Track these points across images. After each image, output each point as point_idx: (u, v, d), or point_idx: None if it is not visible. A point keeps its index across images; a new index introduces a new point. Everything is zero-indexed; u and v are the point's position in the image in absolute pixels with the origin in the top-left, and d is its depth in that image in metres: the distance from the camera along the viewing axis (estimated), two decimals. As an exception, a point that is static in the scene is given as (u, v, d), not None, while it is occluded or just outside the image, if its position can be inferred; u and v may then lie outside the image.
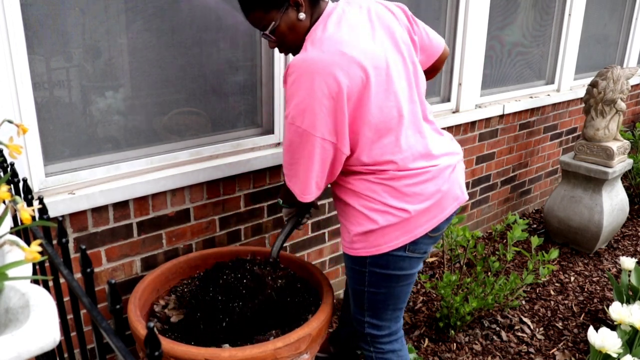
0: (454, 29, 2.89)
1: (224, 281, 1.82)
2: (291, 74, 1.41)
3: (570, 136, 4.07)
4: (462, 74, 2.96)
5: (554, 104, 3.73)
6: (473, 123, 3.11)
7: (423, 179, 1.52)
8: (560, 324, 2.67)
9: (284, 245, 1.90)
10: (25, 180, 1.14)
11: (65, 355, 1.62)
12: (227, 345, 1.65)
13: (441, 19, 2.86)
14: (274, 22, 1.48)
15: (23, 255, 0.71)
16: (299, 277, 1.96)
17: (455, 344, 2.47)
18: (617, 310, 2.18)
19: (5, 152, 1.39)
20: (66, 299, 1.62)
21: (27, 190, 1.12)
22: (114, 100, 1.83)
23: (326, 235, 2.57)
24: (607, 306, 2.70)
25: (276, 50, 2.10)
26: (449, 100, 3.00)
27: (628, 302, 2.52)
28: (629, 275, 2.62)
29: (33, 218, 0.84)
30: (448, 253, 2.59)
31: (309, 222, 2.47)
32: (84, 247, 0.79)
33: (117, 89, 1.83)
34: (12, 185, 1.18)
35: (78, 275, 1.78)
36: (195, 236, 2.08)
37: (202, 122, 2.06)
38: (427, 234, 1.55)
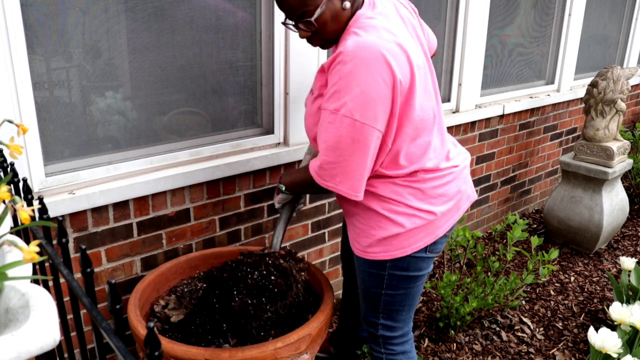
0: (454, 29, 2.89)
1: (253, 281, 1.75)
2: (347, 62, 1.31)
3: (570, 136, 4.07)
4: (462, 74, 2.96)
5: (554, 104, 3.73)
6: (473, 123, 3.11)
7: (447, 180, 1.53)
8: (560, 324, 2.67)
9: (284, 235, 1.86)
10: (25, 180, 1.14)
11: (65, 355, 1.62)
12: (227, 345, 1.65)
13: (441, 19, 2.86)
14: (319, 9, 1.37)
15: (22, 256, 0.71)
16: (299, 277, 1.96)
17: (455, 344, 2.47)
18: (617, 310, 2.18)
19: (6, 152, 1.39)
20: (66, 299, 1.63)
21: (27, 190, 1.11)
22: (114, 100, 1.83)
23: (326, 235, 2.57)
24: (607, 306, 2.70)
25: (276, 50, 2.10)
26: (449, 100, 3.00)
27: (628, 302, 2.52)
28: (629, 275, 2.62)
29: (33, 218, 0.84)
30: (448, 253, 2.59)
31: (310, 222, 2.47)
32: (84, 247, 0.79)
33: (117, 89, 1.83)
34: (12, 185, 1.18)
35: (78, 275, 1.78)
36: (195, 236, 2.08)
37: (202, 122, 2.06)
38: (445, 234, 1.57)
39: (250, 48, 2.10)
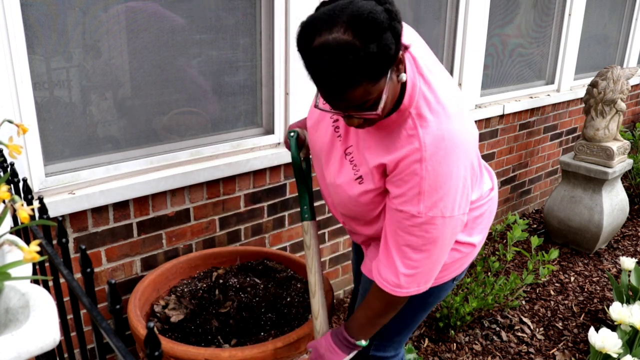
0: (454, 29, 2.89)
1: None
2: (427, 159, 1.14)
3: (570, 136, 4.07)
4: (462, 74, 2.96)
5: (554, 104, 3.73)
6: (473, 123, 3.11)
7: (486, 209, 1.43)
8: (560, 324, 2.67)
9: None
10: (25, 180, 1.14)
11: (65, 355, 1.62)
12: (227, 345, 1.65)
13: (441, 19, 2.86)
14: (384, 95, 1.09)
15: (22, 255, 0.71)
16: (299, 277, 1.96)
17: (455, 344, 2.47)
18: (617, 311, 2.18)
19: (5, 152, 1.39)
20: (66, 299, 1.62)
21: (27, 190, 1.12)
22: (114, 100, 1.83)
23: (326, 235, 2.57)
24: (607, 306, 2.70)
25: (276, 50, 2.10)
26: (449, 100, 3.00)
27: (628, 302, 2.52)
28: (629, 276, 2.62)
29: (32, 217, 0.84)
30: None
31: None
32: (84, 247, 0.79)
33: (117, 89, 1.83)
34: (12, 185, 1.18)
35: (78, 275, 1.78)
36: (195, 236, 2.08)
37: (202, 122, 2.06)
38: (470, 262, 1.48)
39: (250, 48, 2.10)
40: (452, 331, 2.49)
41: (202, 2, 1.92)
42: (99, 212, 1.79)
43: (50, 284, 1.52)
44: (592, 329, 2.04)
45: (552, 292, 2.94)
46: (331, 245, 2.61)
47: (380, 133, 1.23)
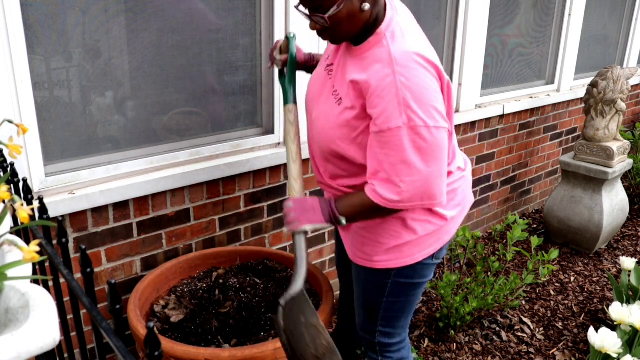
0: (454, 29, 2.89)
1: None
2: (397, 71, 1.24)
3: (570, 136, 4.07)
4: (462, 74, 2.96)
5: (554, 104, 3.73)
6: (473, 123, 3.11)
7: (458, 185, 1.52)
8: (560, 324, 2.67)
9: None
10: (25, 180, 1.14)
11: (65, 355, 1.62)
12: (227, 345, 1.65)
13: (441, 19, 2.86)
14: (335, 7, 1.27)
15: (22, 255, 0.71)
16: (299, 277, 1.96)
17: (455, 344, 2.47)
18: (617, 311, 2.18)
19: (5, 152, 1.39)
20: (66, 299, 1.62)
21: (27, 190, 1.12)
22: (114, 100, 1.83)
23: (326, 235, 2.57)
24: (607, 306, 2.70)
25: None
26: (449, 100, 3.00)
27: (628, 302, 2.52)
28: (629, 276, 2.62)
29: (32, 218, 0.84)
30: (448, 253, 2.59)
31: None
32: (84, 247, 0.79)
33: (117, 89, 1.83)
34: (12, 185, 1.18)
35: (78, 275, 1.78)
36: (195, 236, 2.08)
37: (202, 122, 2.07)
38: (449, 239, 1.55)
39: (250, 48, 2.10)
40: (452, 331, 2.49)
41: (202, 2, 1.92)
42: (99, 212, 1.79)
43: (50, 284, 1.52)
44: (591, 329, 2.04)
45: (552, 292, 2.94)
46: (331, 245, 2.61)
47: (359, 57, 1.36)
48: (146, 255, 1.96)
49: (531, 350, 2.46)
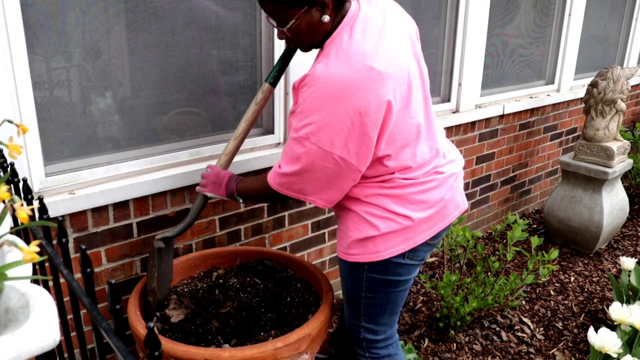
0: (454, 29, 2.89)
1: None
2: (312, 86, 1.32)
3: (570, 136, 4.07)
4: (462, 74, 2.96)
5: (554, 104, 3.73)
6: (473, 123, 3.11)
7: (428, 187, 1.50)
8: (560, 324, 2.67)
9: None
10: (25, 180, 1.14)
11: (65, 355, 1.62)
12: (227, 345, 1.65)
13: (441, 19, 2.86)
14: (293, 21, 1.36)
15: (22, 256, 0.71)
16: (299, 277, 1.96)
17: (455, 344, 2.47)
18: (617, 311, 2.18)
19: (5, 152, 1.39)
20: (66, 299, 1.62)
21: (27, 190, 1.12)
22: (114, 100, 1.83)
23: (326, 235, 2.57)
24: (607, 306, 2.70)
25: (276, 50, 2.10)
26: (449, 100, 3.00)
27: (628, 302, 2.52)
28: (629, 276, 2.62)
29: (32, 218, 0.84)
30: (448, 253, 2.59)
31: (310, 222, 2.47)
32: (84, 247, 0.79)
33: (117, 89, 1.83)
34: (12, 185, 1.18)
35: (78, 275, 1.78)
36: (195, 236, 2.08)
37: (202, 122, 2.06)
38: (426, 242, 1.54)
39: (250, 48, 2.10)
40: (452, 331, 2.49)
41: (203, 2, 1.92)
42: (99, 212, 1.79)
43: (50, 284, 1.52)
44: (591, 329, 2.04)
45: (552, 292, 2.94)
46: (331, 245, 2.61)
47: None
48: (146, 255, 1.96)
49: (531, 350, 2.46)
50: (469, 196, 3.28)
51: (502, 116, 3.30)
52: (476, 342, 2.50)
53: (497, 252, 3.21)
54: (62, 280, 1.64)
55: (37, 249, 0.70)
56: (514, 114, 3.39)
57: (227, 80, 2.08)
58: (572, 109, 3.95)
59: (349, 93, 1.30)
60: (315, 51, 1.53)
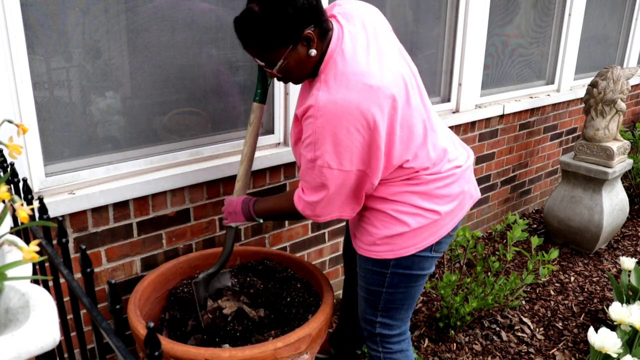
0: (454, 29, 2.89)
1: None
2: (319, 117, 1.35)
3: (570, 136, 4.07)
4: (462, 74, 2.96)
5: (554, 104, 3.73)
6: (473, 123, 3.11)
7: (450, 181, 1.55)
8: (560, 324, 2.67)
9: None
10: (25, 180, 1.14)
11: (65, 355, 1.62)
12: (227, 345, 1.65)
13: (441, 19, 2.86)
14: (281, 61, 1.39)
15: (22, 255, 0.71)
16: (299, 277, 1.96)
17: (455, 344, 2.47)
18: (617, 311, 2.18)
19: (5, 152, 1.39)
20: (66, 299, 1.63)
21: (27, 190, 1.12)
22: (114, 100, 1.83)
23: (326, 235, 2.57)
24: (607, 306, 2.70)
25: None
26: (449, 100, 3.00)
27: (628, 302, 2.52)
28: (629, 276, 2.62)
29: (32, 217, 0.84)
30: (448, 253, 2.59)
31: (310, 222, 2.47)
32: (84, 247, 0.79)
33: (117, 89, 1.83)
34: (12, 185, 1.18)
35: (78, 275, 1.78)
36: (195, 236, 2.08)
37: (202, 122, 2.06)
38: (448, 233, 1.58)
39: (250, 48, 2.10)
40: (452, 331, 2.49)
41: (203, 2, 1.92)
42: (99, 212, 1.79)
43: (50, 284, 1.52)
44: (591, 329, 2.04)
45: (552, 292, 2.94)
46: (331, 245, 2.61)
47: (306, 92, 1.51)
48: (146, 255, 1.96)
49: (531, 350, 2.46)
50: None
51: (502, 116, 3.30)
52: (476, 342, 2.50)
53: (497, 252, 3.21)
54: (62, 280, 1.64)
55: (37, 249, 0.70)
56: (514, 114, 3.39)
57: (227, 80, 2.08)
58: (572, 109, 3.95)
59: (357, 114, 1.33)
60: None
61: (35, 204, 0.97)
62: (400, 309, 1.67)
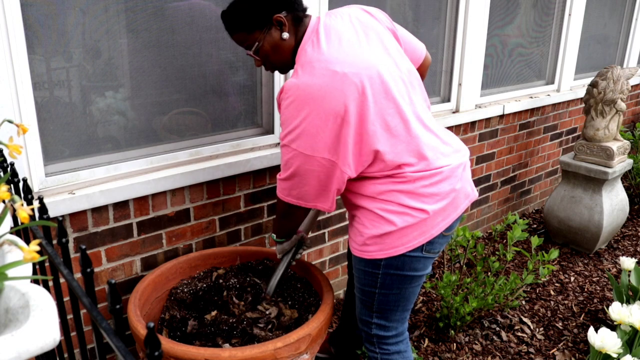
0: (454, 29, 2.89)
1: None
2: (286, 99, 1.43)
3: (570, 136, 4.07)
4: (462, 74, 2.96)
5: (554, 104, 3.73)
6: (473, 123, 3.11)
7: (438, 179, 1.52)
8: (560, 324, 2.67)
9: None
10: (25, 180, 1.14)
11: (65, 355, 1.62)
12: (227, 345, 1.65)
13: (441, 19, 2.86)
14: (257, 43, 1.53)
15: (22, 255, 0.71)
16: (299, 277, 1.96)
17: (455, 344, 2.47)
18: (617, 311, 2.18)
19: (5, 152, 1.39)
20: (66, 299, 1.63)
21: (27, 190, 1.12)
22: (114, 100, 1.83)
23: (326, 235, 2.57)
24: (607, 306, 2.70)
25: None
26: (449, 100, 3.00)
27: (628, 302, 2.52)
28: (629, 276, 2.62)
29: (32, 217, 0.84)
30: (448, 253, 2.59)
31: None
32: (84, 247, 0.79)
33: (117, 89, 1.83)
34: (12, 185, 1.18)
35: (78, 275, 1.78)
36: (195, 236, 2.08)
37: (202, 122, 2.06)
38: (441, 233, 1.56)
39: (250, 48, 2.10)
40: (452, 331, 2.49)
41: (203, 2, 1.92)
42: (99, 212, 1.79)
43: (50, 284, 1.52)
44: (591, 329, 2.04)
45: (552, 292, 2.94)
46: (331, 245, 2.61)
47: None
48: (146, 255, 1.96)
49: (531, 350, 2.46)
50: (469, 196, 3.28)
51: (502, 116, 3.30)
52: (476, 342, 2.50)
53: (497, 252, 3.21)
54: (62, 280, 1.64)
55: (37, 249, 0.70)
56: (514, 114, 3.39)
57: (227, 80, 2.08)
58: (572, 109, 3.95)
59: (318, 98, 1.39)
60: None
61: (35, 204, 0.97)
62: (395, 310, 1.65)
